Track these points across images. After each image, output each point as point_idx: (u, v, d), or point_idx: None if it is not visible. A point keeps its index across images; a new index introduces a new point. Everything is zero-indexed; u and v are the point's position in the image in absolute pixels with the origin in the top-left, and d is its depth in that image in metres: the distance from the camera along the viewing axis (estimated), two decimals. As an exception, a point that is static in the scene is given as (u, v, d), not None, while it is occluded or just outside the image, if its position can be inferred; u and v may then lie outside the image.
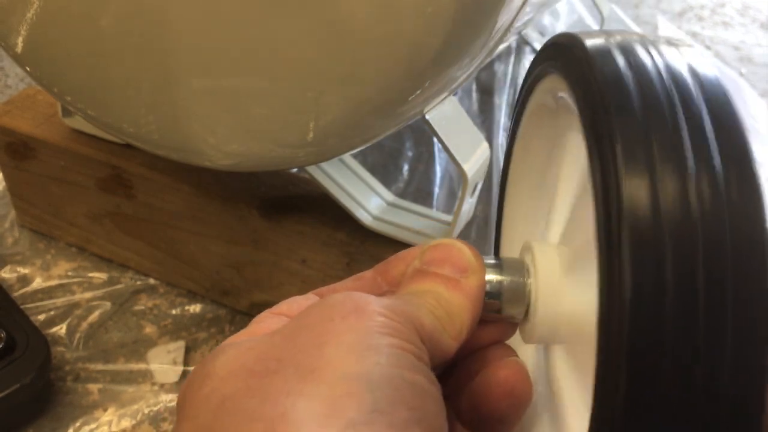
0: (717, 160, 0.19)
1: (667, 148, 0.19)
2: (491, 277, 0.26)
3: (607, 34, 0.23)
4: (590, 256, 0.21)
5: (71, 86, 0.41)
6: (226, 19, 0.34)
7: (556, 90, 0.27)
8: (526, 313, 0.26)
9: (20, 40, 0.40)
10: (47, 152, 0.51)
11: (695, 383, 0.18)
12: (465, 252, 0.25)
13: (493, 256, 0.27)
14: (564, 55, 0.24)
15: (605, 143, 0.19)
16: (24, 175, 0.54)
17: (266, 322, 0.24)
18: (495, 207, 0.62)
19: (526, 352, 0.30)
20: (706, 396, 0.18)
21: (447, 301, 0.24)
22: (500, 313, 0.26)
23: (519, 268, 0.26)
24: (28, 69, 0.42)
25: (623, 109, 0.20)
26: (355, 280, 0.27)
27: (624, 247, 0.18)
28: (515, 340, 0.28)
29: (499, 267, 0.26)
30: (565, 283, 0.25)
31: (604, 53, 0.21)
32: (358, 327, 0.20)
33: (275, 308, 0.25)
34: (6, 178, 0.56)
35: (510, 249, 0.34)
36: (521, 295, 0.26)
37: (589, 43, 0.22)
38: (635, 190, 0.18)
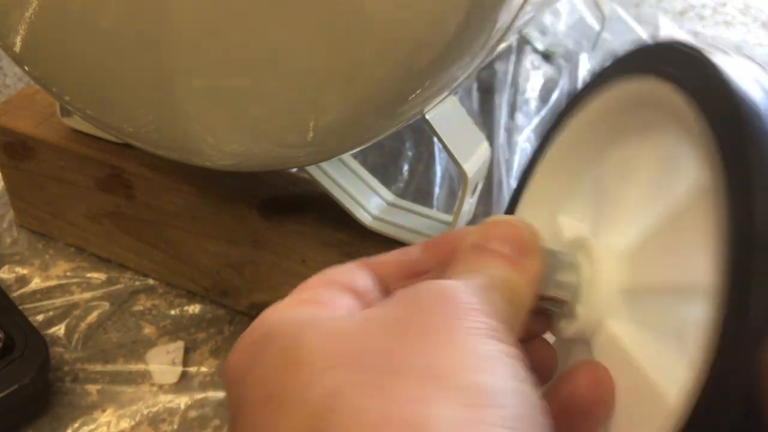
0: None
1: None
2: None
3: (728, 54, 0.22)
4: (662, 298, 0.21)
5: (70, 86, 0.41)
6: (225, 18, 0.34)
7: (654, 96, 0.26)
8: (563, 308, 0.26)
9: (19, 39, 0.40)
10: (46, 152, 0.51)
11: None
12: (525, 232, 0.23)
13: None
14: (690, 69, 0.23)
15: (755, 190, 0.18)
16: (23, 175, 0.54)
17: (328, 295, 0.22)
18: (495, 207, 0.62)
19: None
20: None
21: (514, 284, 0.22)
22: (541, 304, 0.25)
23: (569, 263, 0.26)
24: (26, 68, 0.41)
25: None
26: (402, 254, 0.25)
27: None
28: None
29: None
30: (619, 299, 0.25)
31: (742, 80, 0.21)
32: (463, 328, 0.19)
33: (325, 277, 0.23)
34: (4, 177, 0.56)
35: None
36: (568, 293, 0.25)
37: (723, 66, 0.22)
38: None
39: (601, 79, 0.30)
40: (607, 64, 0.30)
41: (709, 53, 0.22)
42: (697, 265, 0.22)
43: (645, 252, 0.26)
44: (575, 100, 0.31)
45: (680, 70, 0.24)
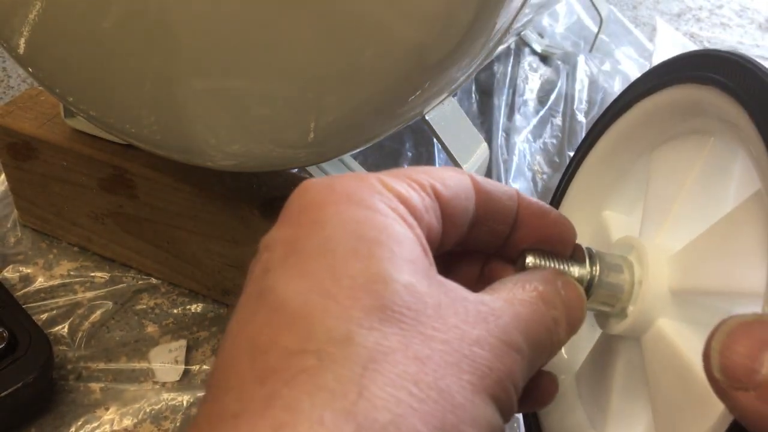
0: None
1: None
2: (584, 271, 0.26)
3: None
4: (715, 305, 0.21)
5: (73, 87, 0.41)
6: (227, 19, 0.34)
7: (708, 103, 0.27)
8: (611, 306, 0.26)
9: (22, 41, 0.40)
10: (49, 152, 0.52)
11: None
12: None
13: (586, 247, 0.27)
14: (745, 80, 0.24)
15: None
16: (26, 176, 0.54)
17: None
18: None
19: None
20: None
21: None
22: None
23: (618, 265, 0.26)
24: (30, 70, 0.42)
25: None
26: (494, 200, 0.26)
27: None
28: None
29: (596, 260, 0.26)
30: (670, 299, 0.26)
31: None
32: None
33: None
34: (8, 178, 0.56)
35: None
36: (616, 296, 0.26)
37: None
38: None
39: (650, 81, 0.30)
40: (658, 67, 0.30)
41: (761, 65, 0.23)
42: (750, 271, 0.23)
43: (695, 254, 0.26)
44: (625, 98, 0.32)
45: (735, 80, 0.24)
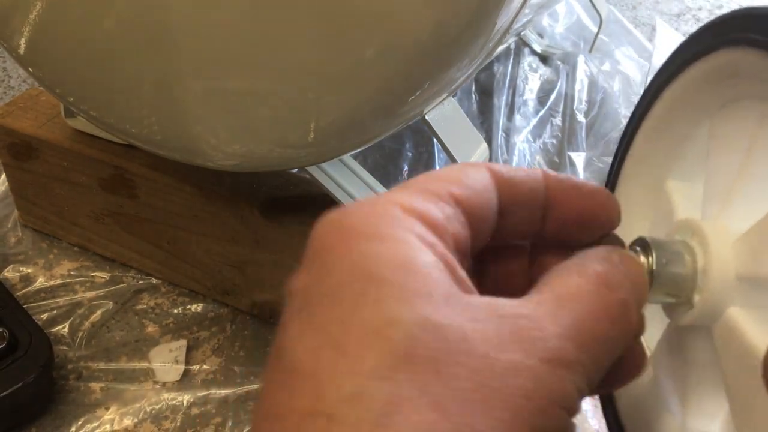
0: None
1: None
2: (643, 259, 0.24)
3: None
4: None
5: (73, 87, 0.41)
6: (227, 20, 0.34)
7: (744, 66, 0.25)
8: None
9: (23, 41, 0.40)
10: (50, 153, 0.52)
11: None
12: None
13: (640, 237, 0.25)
14: None
15: None
16: (27, 176, 0.54)
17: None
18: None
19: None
20: None
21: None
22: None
23: (680, 253, 0.24)
24: (30, 70, 0.42)
25: None
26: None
27: None
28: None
29: (651, 251, 0.24)
30: (737, 286, 0.24)
31: None
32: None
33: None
34: (9, 178, 0.56)
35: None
36: (679, 287, 0.24)
37: None
38: None
39: (692, 48, 0.28)
40: (705, 29, 0.28)
41: None
42: None
43: (762, 237, 0.24)
44: (673, 63, 0.30)
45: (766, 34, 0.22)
